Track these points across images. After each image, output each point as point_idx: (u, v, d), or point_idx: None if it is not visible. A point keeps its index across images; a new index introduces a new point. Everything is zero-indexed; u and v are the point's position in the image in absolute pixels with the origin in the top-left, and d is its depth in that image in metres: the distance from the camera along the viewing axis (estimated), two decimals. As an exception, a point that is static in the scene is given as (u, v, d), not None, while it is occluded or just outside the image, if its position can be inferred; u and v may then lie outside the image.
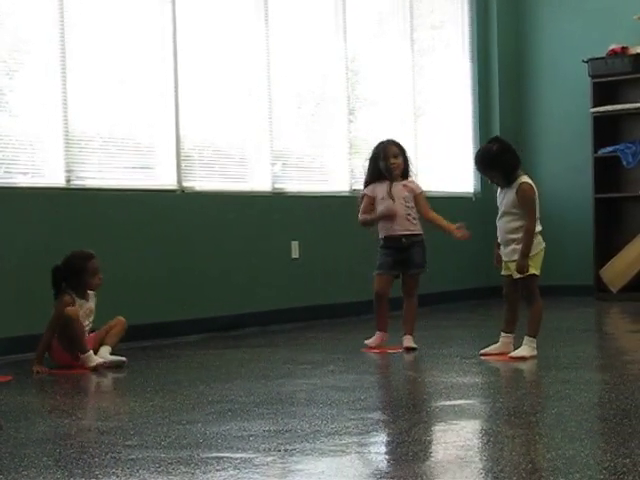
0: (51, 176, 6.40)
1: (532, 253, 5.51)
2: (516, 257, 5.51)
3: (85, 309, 5.67)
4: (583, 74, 9.37)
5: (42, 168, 6.35)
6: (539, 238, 5.56)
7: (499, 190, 5.67)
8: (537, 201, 5.58)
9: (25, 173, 6.40)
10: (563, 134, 9.80)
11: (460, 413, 4.07)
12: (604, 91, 9.39)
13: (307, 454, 3.36)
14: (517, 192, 5.50)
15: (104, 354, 5.66)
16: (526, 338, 5.54)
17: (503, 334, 5.70)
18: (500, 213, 5.62)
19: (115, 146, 6.86)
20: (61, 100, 6.45)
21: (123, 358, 5.66)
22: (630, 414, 3.91)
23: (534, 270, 5.54)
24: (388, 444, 3.50)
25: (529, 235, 5.47)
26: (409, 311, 6.22)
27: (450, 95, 9.68)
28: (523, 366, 5.38)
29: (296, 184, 8.07)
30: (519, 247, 5.50)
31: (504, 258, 5.61)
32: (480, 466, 3.20)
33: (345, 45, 8.47)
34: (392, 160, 6.19)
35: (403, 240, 6.17)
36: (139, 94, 6.98)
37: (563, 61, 9.77)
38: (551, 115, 9.91)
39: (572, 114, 9.67)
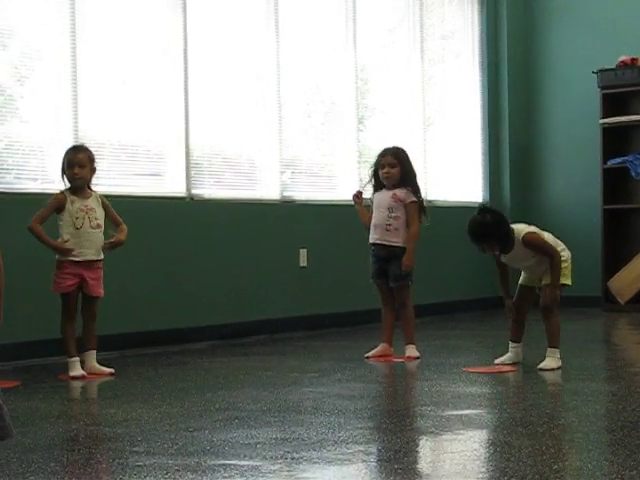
0: (60, 182, 6.40)
1: (564, 265, 5.54)
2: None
3: (78, 206, 5.61)
4: (593, 85, 9.37)
5: (52, 174, 6.37)
6: (567, 250, 5.59)
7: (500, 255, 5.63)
8: (546, 235, 5.59)
9: (35, 179, 6.43)
10: (572, 145, 9.80)
11: (467, 423, 4.07)
12: (613, 102, 9.39)
13: (314, 462, 3.36)
14: (525, 245, 5.49)
15: (91, 362, 5.64)
16: (549, 350, 5.55)
17: (513, 344, 5.70)
18: (522, 270, 5.65)
19: (125, 153, 6.88)
20: (71, 107, 6.47)
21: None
22: (637, 426, 3.90)
23: (565, 280, 5.54)
24: (395, 453, 3.50)
25: (557, 268, 5.47)
26: (403, 321, 6.25)
27: (460, 105, 9.69)
28: (530, 377, 5.37)
29: (305, 192, 8.08)
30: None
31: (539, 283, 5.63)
32: (487, 476, 3.20)
33: (355, 54, 8.48)
34: (385, 170, 6.20)
35: (380, 250, 6.17)
36: (149, 101, 7.01)
37: (573, 72, 9.77)
38: (560, 126, 9.91)
39: (581, 125, 9.67)
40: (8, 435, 2.74)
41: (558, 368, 5.49)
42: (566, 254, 5.58)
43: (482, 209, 5.57)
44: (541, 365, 5.48)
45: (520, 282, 5.72)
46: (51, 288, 5.63)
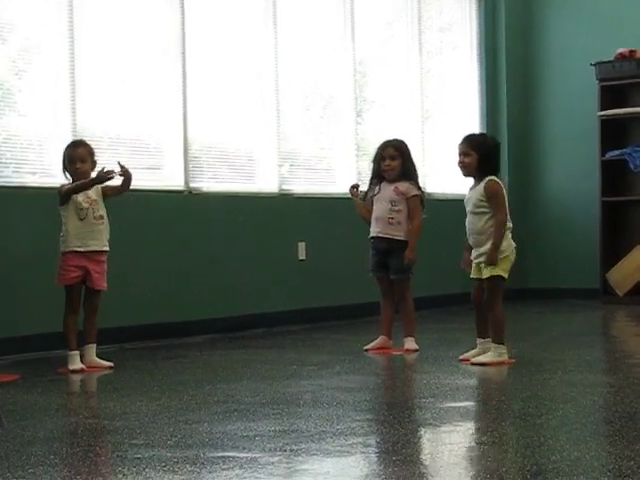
0: (59, 176, 6.41)
1: (502, 255, 5.42)
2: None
3: (82, 198, 5.64)
4: (591, 77, 9.37)
5: (50, 168, 6.37)
6: (509, 240, 5.48)
7: (468, 191, 5.62)
8: (506, 199, 5.50)
9: (33, 173, 6.43)
10: (570, 137, 9.80)
11: (465, 415, 4.08)
12: (612, 94, 9.39)
13: (312, 454, 3.37)
14: (485, 188, 5.44)
15: (90, 356, 5.65)
16: (492, 345, 5.50)
17: (479, 340, 5.66)
18: (467, 213, 5.56)
19: (123, 146, 6.87)
20: (69, 100, 6.47)
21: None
22: (635, 417, 3.91)
23: (502, 272, 5.46)
24: (393, 445, 3.51)
25: (499, 228, 5.39)
26: (403, 314, 6.25)
27: (458, 97, 9.68)
28: (529, 369, 5.38)
29: (303, 185, 8.08)
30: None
31: (475, 260, 5.54)
32: (485, 467, 3.21)
33: (353, 47, 8.48)
34: (387, 162, 6.19)
35: (380, 243, 6.17)
36: (147, 95, 7.00)
37: (571, 64, 9.76)
38: (558, 118, 9.91)
39: (580, 117, 9.67)
40: None
41: (498, 364, 5.40)
42: (507, 244, 5.44)
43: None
44: (475, 358, 5.44)
45: (471, 275, 5.62)
46: (55, 281, 5.65)
